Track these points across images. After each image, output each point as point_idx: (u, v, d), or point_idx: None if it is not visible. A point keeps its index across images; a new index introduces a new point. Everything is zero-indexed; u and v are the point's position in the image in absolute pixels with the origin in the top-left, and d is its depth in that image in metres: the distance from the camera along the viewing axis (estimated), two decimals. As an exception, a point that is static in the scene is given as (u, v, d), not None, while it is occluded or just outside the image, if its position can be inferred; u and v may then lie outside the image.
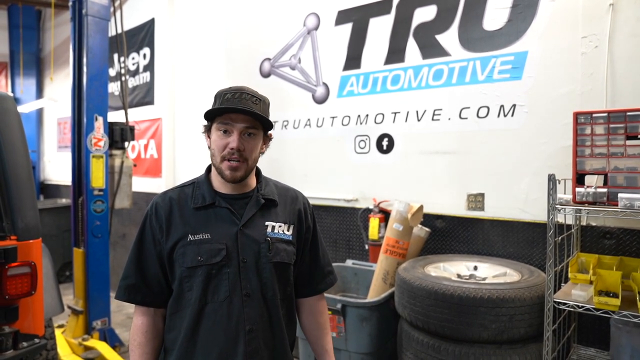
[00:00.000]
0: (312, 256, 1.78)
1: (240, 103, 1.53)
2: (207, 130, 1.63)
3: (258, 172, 1.74)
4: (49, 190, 9.29)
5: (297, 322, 1.77)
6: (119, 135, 4.67)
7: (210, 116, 1.59)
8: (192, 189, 1.66)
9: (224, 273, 1.54)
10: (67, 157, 6.01)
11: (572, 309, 2.34)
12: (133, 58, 6.70)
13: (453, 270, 3.09)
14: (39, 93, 9.50)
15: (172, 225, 1.59)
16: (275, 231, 1.64)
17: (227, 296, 1.53)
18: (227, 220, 1.59)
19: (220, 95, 1.58)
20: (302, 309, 1.82)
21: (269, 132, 1.68)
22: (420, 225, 3.46)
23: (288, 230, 1.67)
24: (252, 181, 1.69)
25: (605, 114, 2.34)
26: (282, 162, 4.58)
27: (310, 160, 4.46)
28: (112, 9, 4.72)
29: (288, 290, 1.68)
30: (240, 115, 1.55)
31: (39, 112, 9.52)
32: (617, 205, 2.23)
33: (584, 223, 2.92)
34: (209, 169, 1.71)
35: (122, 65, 5.05)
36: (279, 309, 1.61)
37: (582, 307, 2.29)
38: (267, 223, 1.63)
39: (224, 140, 1.55)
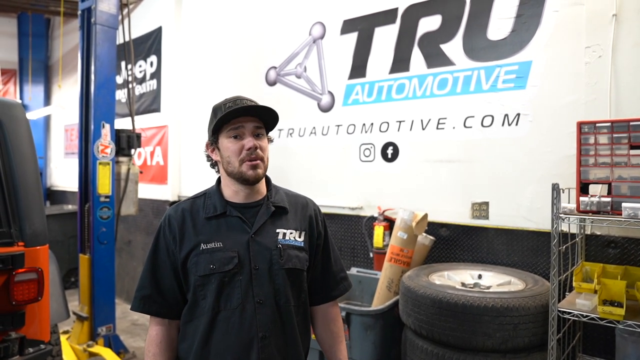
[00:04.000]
0: (324, 263, 1.78)
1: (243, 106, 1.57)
2: (214, 143, 1.65)
3: (268, 180, 1.75)
4: (55, 196, 9.36)
5: (311, 330, 1.77)
6: (126, 143, 4.70)
7: (218, 126, 1.60)
8: (204, 200, 1.68)
9: (236, 281, 1.56)
10: (73, 163, 6.06)
11: (576, 318, 2.34)
12: (140, 66, 6.77)
13: (457, 278, 3.09)
14: (47, 100, 9.60)
15: (185, 235, 1.61)
16: (287, 238, 1.65)
17: (239, 303, 1.55)
18: (238, 228, 1.61)
19: (221, 107, 1.61)
20: (315, 317, 1.81)
21: (269, 133, 1.71)
22: (424, 234, 3.47)
23: (299, 237, 1.68)
24: (263, 189, 1.71)
25: (608, 124, 2.35)
26: (287, 170, 4.60)
27: (315, 168, 4.48)
28: (120, 18, 4.78)
29: (302, 297, 1.68)
30: (248, 117, 1.59)
31: (47, 119, 9.61)
32: (621, 214, 2.23)
33: (588, 232, 2.91)
34: (219, 181, 1.73)
35: (130, 72, 5.10)
36: (292, 315, 1.62)
37: (587, 316, 2.28)
38: (278, 230, 1.64)
39: (238, 144, 1.58)
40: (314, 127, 4.48)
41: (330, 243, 1.81)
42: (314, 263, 1.75)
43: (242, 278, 1.56)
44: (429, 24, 3.70)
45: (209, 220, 1.62)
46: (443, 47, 3.61)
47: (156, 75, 6.49)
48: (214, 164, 1.74)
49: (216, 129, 1.62)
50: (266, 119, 1.64)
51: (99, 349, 4.27)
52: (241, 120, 1.59)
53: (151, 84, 6.59)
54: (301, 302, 1.67)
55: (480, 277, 3.09)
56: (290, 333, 1.61)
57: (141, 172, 5.07)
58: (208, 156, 1.73)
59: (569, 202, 2.57)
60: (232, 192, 1.66)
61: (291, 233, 1.67)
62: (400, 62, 3.86)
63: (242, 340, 1.53)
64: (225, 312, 1.55)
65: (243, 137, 1.59)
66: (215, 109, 1.64)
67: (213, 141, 1.66)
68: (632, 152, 2.28)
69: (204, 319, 1.56)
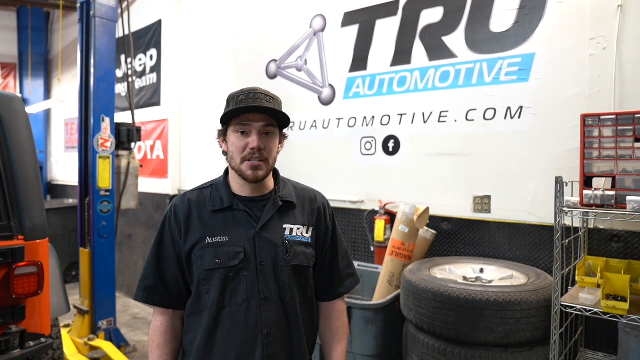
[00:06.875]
0: (331, 258, 1.75)
1: (256, 103, 1.53)
2: (223, 134, 1.62)
3: (276, 174, 1.72)
4: (56, 190, 9.36)
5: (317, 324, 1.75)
6: (126, 136, 4.69)
7: (226, 119, 1.57)
8: (211, 191, 1.66)
9: (241, 276, 1.54)
10: (74, 157, 6.05)
11: (579, 313, 2.32)
12: (140, 59, 6.74)
13: (459, 272, 3.08)
14: (47, 94, 9.57)
15: (191, 227, 1.59)
16: (294, 234, 1.62)
17: (244, 299, 1.53)
18: (245, 223, 1.59)
19: (234, 98, 1.57)
20: (319, 313, 1.78)
21: (284, 130, 1.67)
22: (426, 227, 3.45)
23: (307, 233, 1.65)
24: (270, 183, 1.68)
25: (613, 116, 2.32)
26: (288, 164, 4.57)
27: (316, 162, 4.46)
28: (119, 11, 4.75)
29: (309, 293, 1.66)
30: (257, 115, 1.54)
31: (47, 113, 9.59)
32: (625, 208, 2.21)
33: (591, 226, 2.90)
34: (226, 172, 1.70)
35: (129, 66, 5.07)
36: (297, 312, 1.59)
37: (590, 310, 2.27)
38: (285, 226, 1.62)
39: (243, 141, 1.55)
40: (314, 121, 4.46)
41: (338, 237, 1.78)
42: (322, 258, 1.72)
43: (248, 274, 1.54)
44: (431, 16, 3.66)
45: (216, 213, 1.60)
46: (445, 39, 3.58)
47: (156, 68, 6.46)
48: (225, 152, 1.68)
49: (225, 121, 1.58)
50: (278, 117, 1.60)
51: (100, 342, 4.27)
52: (250, 117, 1.54)
53: (151, 78, 6.56)
54: (307, 298, 1.65)
55: (482, 271, 3.08)
56: (296, 330, 1.59)
57: (141, 166, 5.06)
58: (220, 144, 1.69)
59: (572, 196, 2.55)
60: (239, 185, 1.63)
61: (298, 229, 1.64)
62: (402, 55, 3.83)
63: (246, 337, 1.51)
64: (230, 308, 1.53)
65: (250, 134, 1.55)
66: (229, 99, 1.60)
67: (223, 132, 1.62)
68: (637, 145, 2.25)
69: (208, 314, 1.54)
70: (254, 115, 1.55)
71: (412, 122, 3.77)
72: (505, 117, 3.28)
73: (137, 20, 6.35)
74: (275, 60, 4.83)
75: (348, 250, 1.83)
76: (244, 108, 1.52)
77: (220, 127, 1.66)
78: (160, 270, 1.61)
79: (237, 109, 1.52)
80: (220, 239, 1.55)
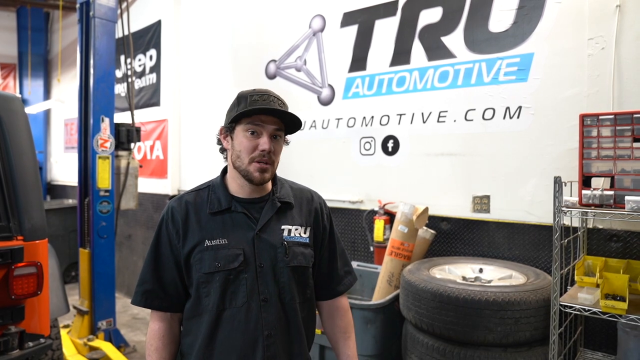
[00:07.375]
0: (329, 257, 1.76)
1: (270, 105, 1.52)
2: (230, 132, 1.60)
3: (273, 175, 1.72)
4: (55, 190, 9.35)
5: (316, 324, 1.75)
6: (125, 137, 4.69)
7: (240, 117, 1.55)
8: (208, 193, 1.65)
9: (241, 278, 1.53)
10: (73, 158, 6.04)
11: (578, 313, 2.32)
12: (139, 60, 6.74)
13: (458, 272, 3.08)
14: (47, 94, 9.57)
15: (189, 230, 1.58)
16: (292, 235, 1.62)
17: (244, 302, 1.52)
18: (243, 225, 1.58)
19: (246, 97, 1.55)
20: (322, 312, 1.79)
21: (287, 136, 1.66)
22: (425, 227, 3.45)
23: (305, 233, 1.65)
24: (268, 184, 1.67)
25: (611, 116, 2.33)
26: (287, 164, 4.54)
27: (315, 162, 4.46)
28: (119, 11, 4.75)
29: (308, 293, 1.66)
30: (270, 117, 1.54)
31: (47, 113, 9.59)
32: (624, 207, 2.21)
33: (590, 226, 2.90)
34: (223, 172, 1.69)
35: (129, 66, 5.07)
36: (297, 312, 1.60)
37: (589, 310, 2.27)
38: (283, 227, 1.62)
39: (253, 141, 1.53)
40: (314, 121, 4.46)
41: (336, 236, 1.79)
42: (320, 257, 1.72)
43: (248, 276, 1.54)
44: (430, 16, 3.66)
45: (214, 215, 1.59)
46: (444, 39, 3.58)
47: (155, 69, 6.46)
48: (223, 150, 1.67)
49: (235, 119, 1.56)
50: (288, 122, 1.59)
51: (100, 343, 4.27)
52: (263, 119, 1.53)
53: (150, 78, 6.56)
54: (306, 297, 1.65)
55: (481, 271, 3.08)
56: (296, 330, 1.59)
57: (141, 166, 5.06)
58: (219, 140, 1.66)
59: (571, 196, 2.55)
60: (238, 185, 1.62)
61: (296, 229, 1.64)
62: (401, 55, 3.83)
63: (247, 339, 1.51)
64: (230, 310, 1.53)
65: (260, 135, 1.53)
66: (240, 97, 1.58)
67: (229, 129, 1.60)
68: (635, 144, 2.25)
69: (208, 317, 1.53)
70: (267, 118, 1.54)
71: (411, 122, 3.77)
72: (504, 117, 3.28)
73: (137, 20, 6.35)
74: (275, 61, 4.83)
75: (344, 248, 1.85)
76: (265, 109, 1.51)
77: (222, 122, 1.64)
78: (158, 274, 1.60)
79: (258, 109, 1.50)
80: (219, 242, 1.55)
